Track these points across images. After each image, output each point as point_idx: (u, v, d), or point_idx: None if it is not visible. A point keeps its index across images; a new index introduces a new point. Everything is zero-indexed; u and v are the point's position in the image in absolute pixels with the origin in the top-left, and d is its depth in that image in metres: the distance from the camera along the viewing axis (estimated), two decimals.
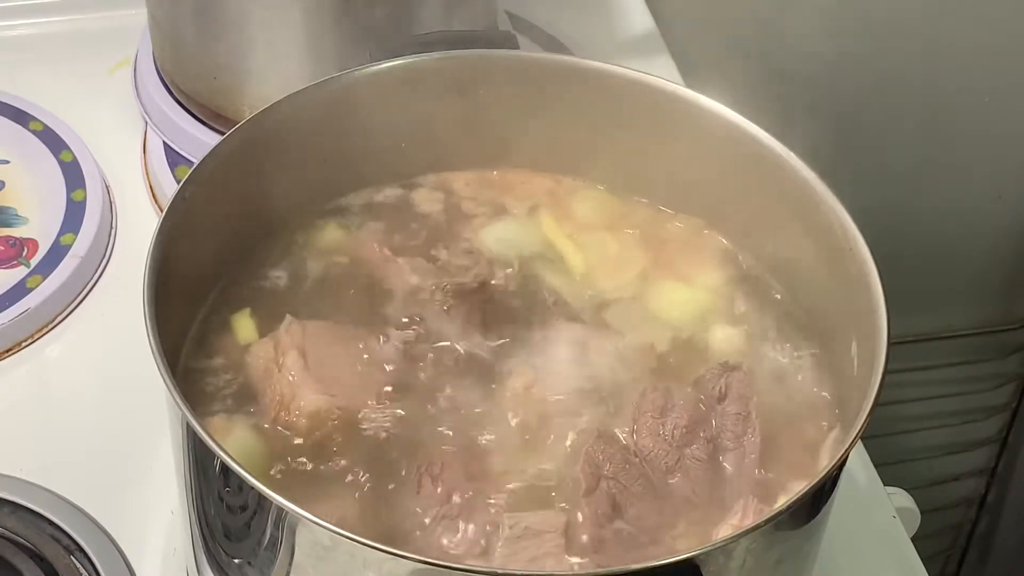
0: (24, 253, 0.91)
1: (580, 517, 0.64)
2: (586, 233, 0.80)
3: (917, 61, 1.22)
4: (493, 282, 0.76)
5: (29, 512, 0.77)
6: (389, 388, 0.70)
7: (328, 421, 0.68)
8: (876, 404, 0.61)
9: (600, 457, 0.66)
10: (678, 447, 0.67)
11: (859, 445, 0.85)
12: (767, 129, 0.74)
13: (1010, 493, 1.51)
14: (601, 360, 0.72)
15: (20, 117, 1.00)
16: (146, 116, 0.98)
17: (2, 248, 0.91)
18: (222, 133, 0.75)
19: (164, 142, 0.97)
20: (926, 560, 0.83)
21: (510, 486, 0.66)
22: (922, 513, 0.92)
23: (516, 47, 0.84)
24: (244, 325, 0.73)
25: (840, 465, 0.61)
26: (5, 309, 0.87)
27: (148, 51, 1.00)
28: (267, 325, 0.73)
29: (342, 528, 0.56)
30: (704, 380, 0.70)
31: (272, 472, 0.67)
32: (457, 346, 0.72)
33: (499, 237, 0.79)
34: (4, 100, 1.01)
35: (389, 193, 0.81)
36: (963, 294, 1.40)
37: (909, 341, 1.38)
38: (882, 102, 1.25)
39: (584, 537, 0.64)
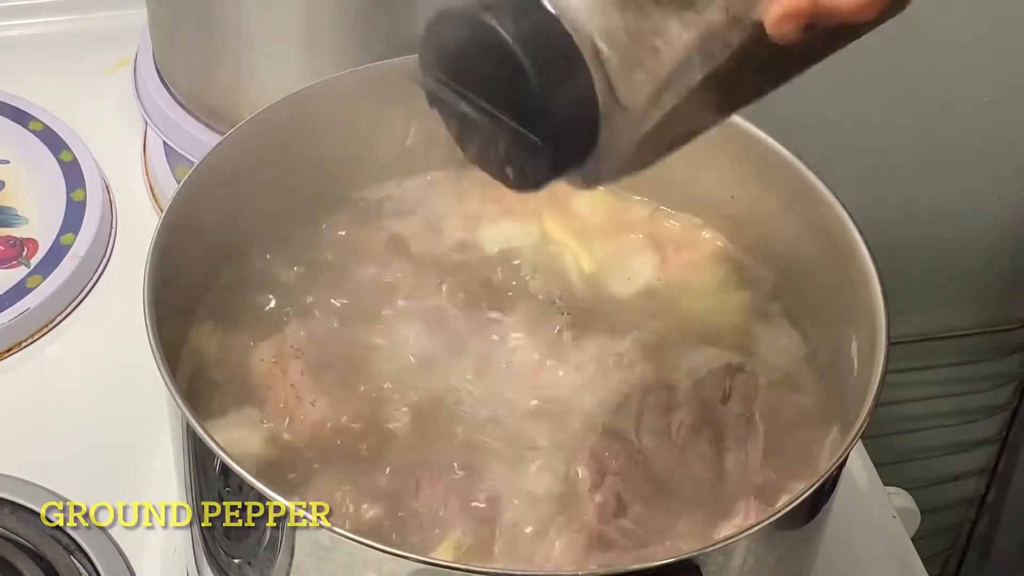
0: (24, 253, 0.91)
1: (584, 515, 0.64)
2: (587, 231, 0.80)
3: (917, 60, 1.22)
4: (497, 280, 0.76)
5: (29, 512, 0.77)
6: (392, 389, 0.70)
7: (332, 426, 0.68)
8: (876, 404, 0.61)
9: (605, 454, 0.66)
10: (682, 447, 0.67)
11: (859, 445, 0.85)
12: (766, 129, 0.74)
13: (1010, 493, 1.51)
14: (606, 358, 0.72)
15: (20, 117, 1.00)
16: (146, 116, 0.98)
17: (2, 248, 0.91)
18: (222, 133, 0.75)
19: (164, 142, 0.97)
20: (926, 560, 0.83)
21: (512, 484, 0.66)
22: (922, 513, 0.92)
23: None
24: (207, 341, 0.73)
25: (840, 465, 0.61)
26: (5, 309, 0.87)
27: (148, 51, 1.00)
28: (270, 325, 0.73)
29: (343, 529, 0.57)
30: (708, 380, 0.70)
31: (273, 473, 0.67)
32: (460, 345, 0.72)
33: (503, 235, 0.79)
34: (4, 100, 1.01)
35: (391, 192, 0.81)
36: (963, 294, 1.40)
37: (909, 341, 1.38)
38: (881, 101, 1.25)
39: (586, 535, 0.64)
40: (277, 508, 0.58)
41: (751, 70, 0.55)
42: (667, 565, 0.56)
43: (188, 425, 0.61)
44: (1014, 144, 1.31)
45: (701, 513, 0.66)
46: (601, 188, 0.81)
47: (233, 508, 0.62)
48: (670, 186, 0.80)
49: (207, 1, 0.91)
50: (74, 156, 0.97)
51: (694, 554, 0.57)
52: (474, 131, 0.56)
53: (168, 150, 0.96)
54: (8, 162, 0.97)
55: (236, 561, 0.65)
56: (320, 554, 0.59)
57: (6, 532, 0.76)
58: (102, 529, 0.77)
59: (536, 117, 0.54)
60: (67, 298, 0.90)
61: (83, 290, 0.91)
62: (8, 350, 0.87)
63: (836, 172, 0.72)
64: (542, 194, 0.81)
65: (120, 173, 0.99)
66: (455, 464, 0.67)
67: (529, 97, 0.53)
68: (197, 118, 0.96)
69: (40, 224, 0.93)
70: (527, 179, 0.57)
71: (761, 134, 0.74)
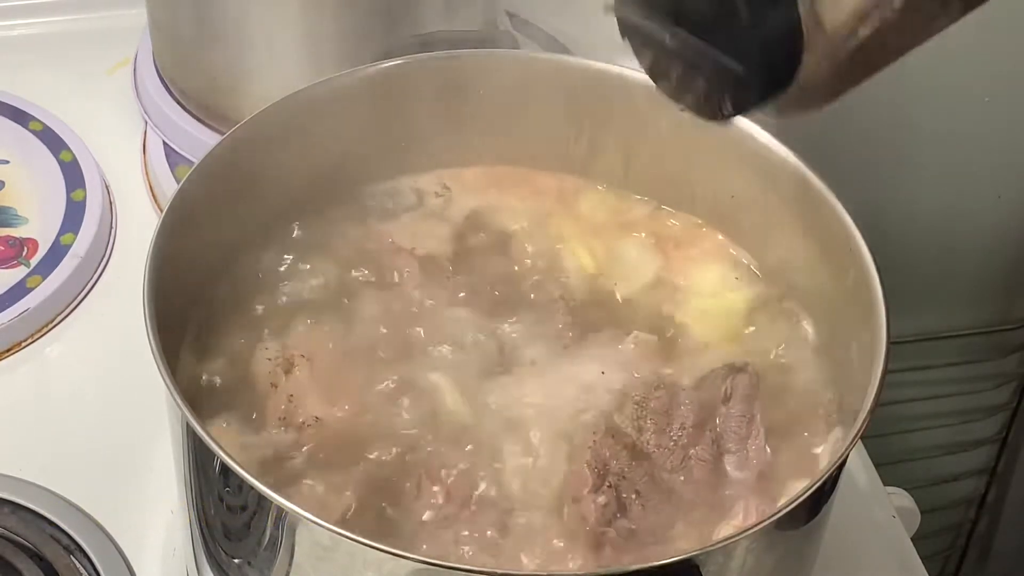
0: (24, 253, 0.91)
1: (584, 515, 0.64)
2: (589, 230, 0.80)
3: (917, 60, 1.22)
4: (500, 279, 0.76)
5: (29, 512, 0.77)
6: (393, 390, 0.70)
7: (332, 426, 0.68)
8: (876, 404, 0.61)
9: (607, 454, 0.66)
10: (683, 447, 0.67)
11: (859, 445, 0.85)
12: (767, 129, 0.74)
13: (1010, 493, 1.51)
14: (608, 357, 0.72)
15: (20, 117, 1.00)
16: (146, 116, 0.98)
17: (2, 248, 0.91)
18: (222, 133, 0.75)
19: (164, 142, 0.97)
20: (926, 560, 0.83)
21: (513, 484, 0.66)
22: (922, 513, 0.92)
23: (516, 47, 0.83)
24: (208, 340, 0.72)
25: (840, 465, 0.61)
26: (5, 309, 0.87)
27: (148, 51, 1.00)
28: (270, 325, 0.73)
29: (343, 529, 0.57)
30: (710, 381, 0.70)
31: (273, 473, 0.67)
32: (462, 342, 0.72)
33: (504, 233, 0.79)
34: (4, 100, 1.01)
35: (391, 191, 0.81)
36: (963, 294, 1.40)
37: (909, 341, 1.38)
38: (881, 101, 1.25)
39: (587, 535, 0.64)
40: (277, 508, 0.58)
41: None
42: (667, 565, 0.56)
43: (188, 425, 0.61)
44: (1014, 144, 1.31)
45: (701, 513, 0.66)
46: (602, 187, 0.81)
47: (233, 508, 0.62)
48: (671, 186, 0.80)
49: (207, 1, 0.91)
50: (74, 156, 0.97)
51: (694, 554, 0.57)
52: (670, 62, 0.57)
53: (168, 150, 0.96)
54: (8, 162, 0.97)
55: (236, 561, 0.65)
56: (320, 554, 0.59)
57: (6, 532, 0.76)
58: (102, 529, 0.77)
59: (741, 46, 0.54)
60: (67, 298, 0.90)
61: (83, 290, 0.91)
62: (8, 350, 0.87)
63: (836, 172, 0.72)
64: (548, 194, 0.82)
65: (120, 173, 0.99)
66: (456, 464, 0.67)
67: (734, 25, 0.53)
68: (197, 118, 0.96)
69: (40, 224, 0.93)
70: (727, 109, 0.57)
71: (761, 134, 0.74)
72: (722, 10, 0.54)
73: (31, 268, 0.90)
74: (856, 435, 0.61)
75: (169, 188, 0.94)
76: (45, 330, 0.89)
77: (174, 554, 0.77)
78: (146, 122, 0.99)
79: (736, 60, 0.54)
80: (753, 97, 0.56)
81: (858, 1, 0.53)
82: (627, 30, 0.58)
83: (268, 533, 0.61)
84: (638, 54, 0.58)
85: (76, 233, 0.92)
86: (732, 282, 0.77)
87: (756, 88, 0.56)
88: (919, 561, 0.82)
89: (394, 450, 0.68)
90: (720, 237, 0.79)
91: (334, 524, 0.57)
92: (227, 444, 0.60)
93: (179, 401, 0.60)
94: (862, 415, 0.61)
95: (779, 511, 0.59)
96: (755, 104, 0.57)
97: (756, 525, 0.58)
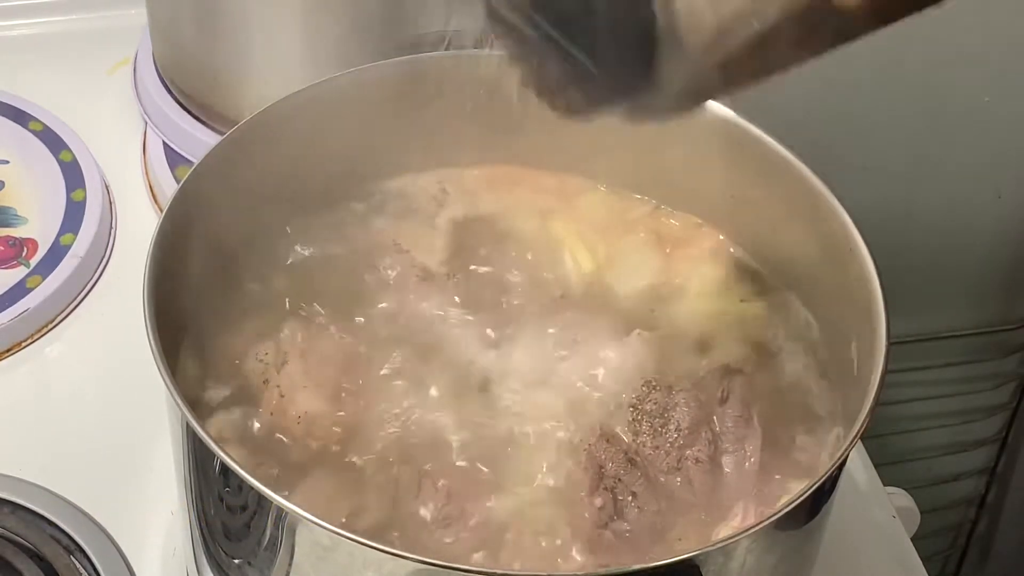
0: (24, 253, 0.91)
1: (581, 517, 0.64)
2: (591, 231, 0.80)
3: (917, 60, 1.22)
4: (499, 279, 0.76)
5: (29, 512, 0.77)
6: (391, 389, 0.70)
7: (326, 425, 0.68)
8: (876, 404, 0.61)
9: (602, 456, 0.66)
10: (679, 448, 0.67)
11: (859, 445, 0.85)
12: (767, 129, 0.74)
13: (1010, 493, 1.51)
14: (606, 357, 0.72)
15: (20, 117, 1.00)
16: (146, 116, 0.98)
17: (2, 248, 0.91)
18: (222, 133, 0.75)
19: (164, 142, 0.97)
20: (926, 560, 0.83)
21: (511, 485, 0.66)
22: (922, 513, 0.92)
23: None
24: (206, 341, 0.72)
25: (840, 465, 0.61)
26: (5, 309, 0.87)
27: (148, 51, 1.00)
28: (268, 325, 0.73)
29: (343, 529, 0.57)
30: (706, 381, 0.70)
31: (271, 473, 0.67)
32: (461, 342, 0.72)
33: (506, 233, 0.79)
34: (4, 100, 1.01)
35: (392, 191, 0.81)
36: (963, 294, 1.40)
37: (909, 341, 1.38)
38: (881, 101, 1.25)
39: (585, 537, 0.64)
40: (277, 508, 0.58)
41: (812, 28, 0.54)
42: (667, 565, 0.56)
43: (188, 425, 0.61)
44: (1014, 144, 1.31)
45: (700, 514, 0.66)
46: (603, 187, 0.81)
47: (233, 508, 0.62)
48: (670, 185, 0.80)
49: (207, 1, 0.91)
50: (74, 156, 0.97)
51: (694, 554, 0.57)
52: (529, 52, 0.56)
53: (168, 150, 0.96)
54: (8, 162, 0.97)
55: (236, 561, 0.65)
56: (320, 554, 0.59)
57: (6, 532, 0.76)
58: (102, 529, 0.77)
59: (595, 43, 0.54)
60: (67, 298, 0.90)
61: (83, 290, 0.91)
62: (8, 350, 0.87)
63: (836, 172, 0.72)
64: (548, 193, 0.82)
65: (120, 173, 0.99)
66: (455, 464, 0.67)
67: (591, 25, 0.53)
68: (197, 118, 0.96)
69: (40, 224, 0.93)
70: (578, 105, 0.57)
71: (761, 134, 0.74)
72: (581, 6, 0.53)
73: (31, 268, 0.90)
74: (856, 435, 0.61)
75: (169, 188, 0.94)
76: (45, 330, 0.89)
77: (174, 554, 0.77)
78: (146, 122, 0.99)
79: (588, 56, 0.54)
80: (604, 95, 0.56)
81: (716, 20, 0.53)
82: (491, 15, 0.57)
83: (268, 533, 0.61)
84: (501, 41, 0.58)
85: (76, 233, 0.92)
86: (730, 282, 0.77)
87: (606, 86, 0.55)
88: (919, 561, 0.83)
89: (393, 449, 0.68)
90: (720, 237, 0.79)
91: (334, 524, 0.57)
92: (227, 444, 0.60)
93: (179, 401, 0.60)
94: (862, 415, 0.61)
95: (779, 511, 0.59)
96: (606, 102, 0.56)
97: (756, 525, 0.58)
